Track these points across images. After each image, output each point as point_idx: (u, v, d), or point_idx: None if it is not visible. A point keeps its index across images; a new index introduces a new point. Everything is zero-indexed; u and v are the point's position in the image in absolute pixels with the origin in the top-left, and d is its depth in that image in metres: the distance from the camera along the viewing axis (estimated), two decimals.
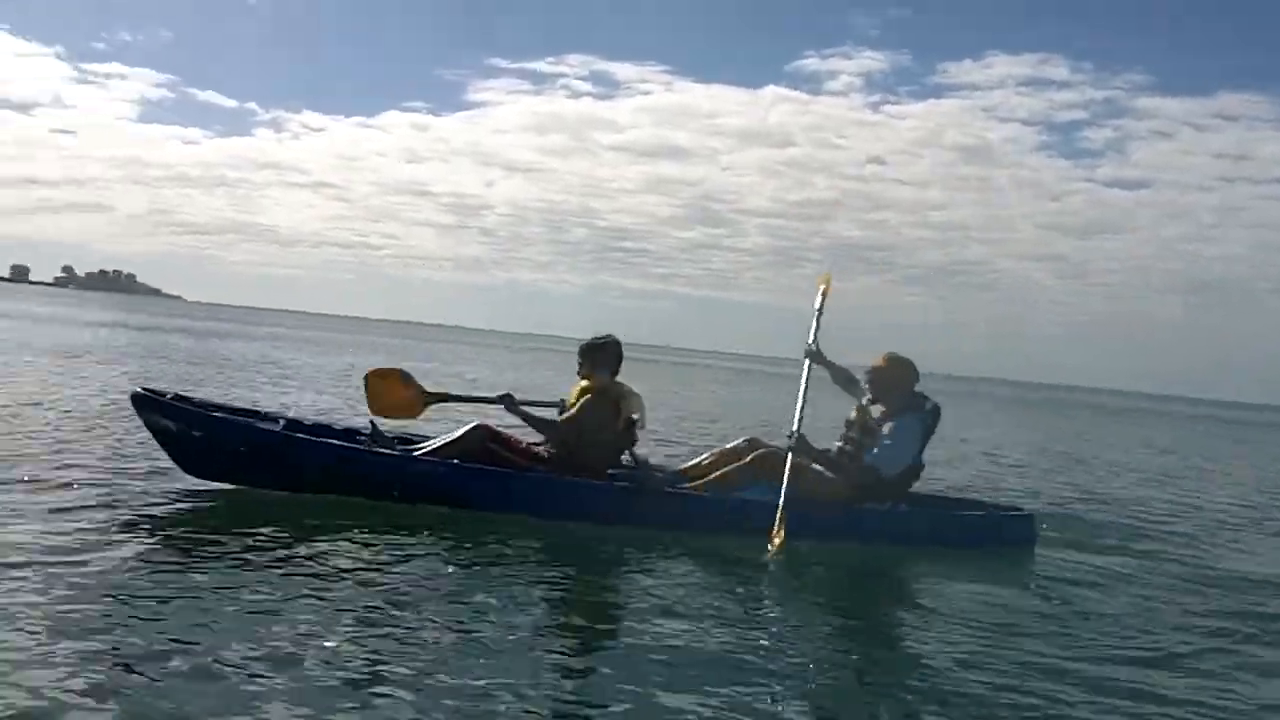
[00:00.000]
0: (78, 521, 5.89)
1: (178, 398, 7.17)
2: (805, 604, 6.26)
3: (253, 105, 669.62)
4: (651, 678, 4.25)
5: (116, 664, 3.85)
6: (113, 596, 4.66)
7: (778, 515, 6.85)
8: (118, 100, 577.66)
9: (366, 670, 4.06)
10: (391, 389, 7.48)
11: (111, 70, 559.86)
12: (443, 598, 5.18)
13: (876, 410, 7.71)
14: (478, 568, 5.85)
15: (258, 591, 4.92)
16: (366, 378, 7.57)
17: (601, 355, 7.34)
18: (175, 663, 3.90)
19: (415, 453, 7.16)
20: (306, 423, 7.75)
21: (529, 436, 7.40)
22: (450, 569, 5.76)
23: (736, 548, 6.83)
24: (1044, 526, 8.52)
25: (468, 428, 7.18)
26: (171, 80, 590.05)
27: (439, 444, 7.20)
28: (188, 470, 7.04)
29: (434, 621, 4.76)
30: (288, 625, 4.46)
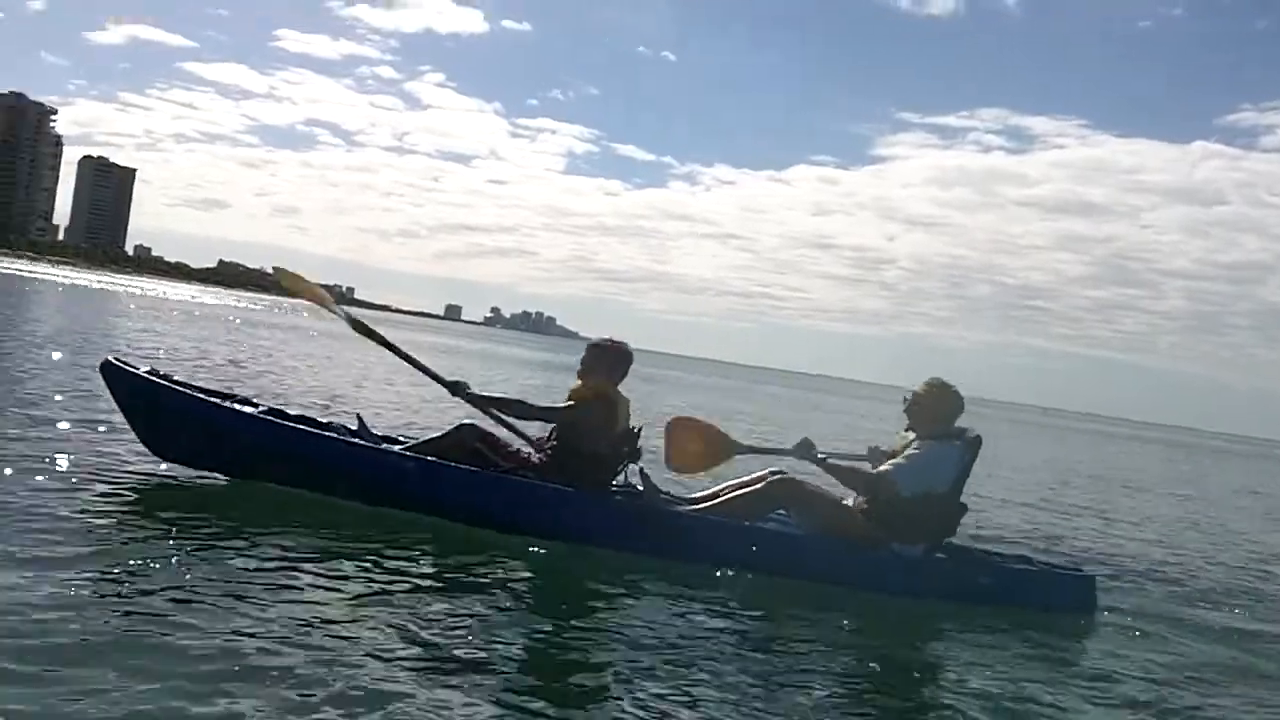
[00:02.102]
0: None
1: (151, 372, 6.79)
2: (804, 658, 5.13)
3: (669, 159, 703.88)
4: None
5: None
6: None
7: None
8: (546, 153, 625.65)
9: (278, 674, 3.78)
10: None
11: (542, 125, 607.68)
12: (386, 610, 4.77)
13: (910, 438, 6.90)
14: (433, 578, 5.41)
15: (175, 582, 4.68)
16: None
17: (608, 358, 6.79)
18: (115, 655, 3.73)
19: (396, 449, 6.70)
20: (290, 413, 7.26)
21: (518, 442, 6.91)
22: (407, 577, 5.31)
23: (734, 581, 6.20)
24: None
25: (454, 425, 6.71)
26: (595, 135, 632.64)
27: (418, 443, 6.79)
28: (152, 448, 6.75)
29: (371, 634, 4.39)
30: (208, 620, 4.22)
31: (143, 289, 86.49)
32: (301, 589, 4.86)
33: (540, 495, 6.35)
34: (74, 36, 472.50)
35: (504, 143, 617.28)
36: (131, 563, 4.87)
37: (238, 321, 41.78)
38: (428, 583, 5.28)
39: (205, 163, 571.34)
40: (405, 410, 13.96)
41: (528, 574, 5.82)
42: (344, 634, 4.31)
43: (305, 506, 6.23)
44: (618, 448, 6.59)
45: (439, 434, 6.71)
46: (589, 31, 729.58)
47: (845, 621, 5.90)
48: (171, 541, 5.30)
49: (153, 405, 6.58)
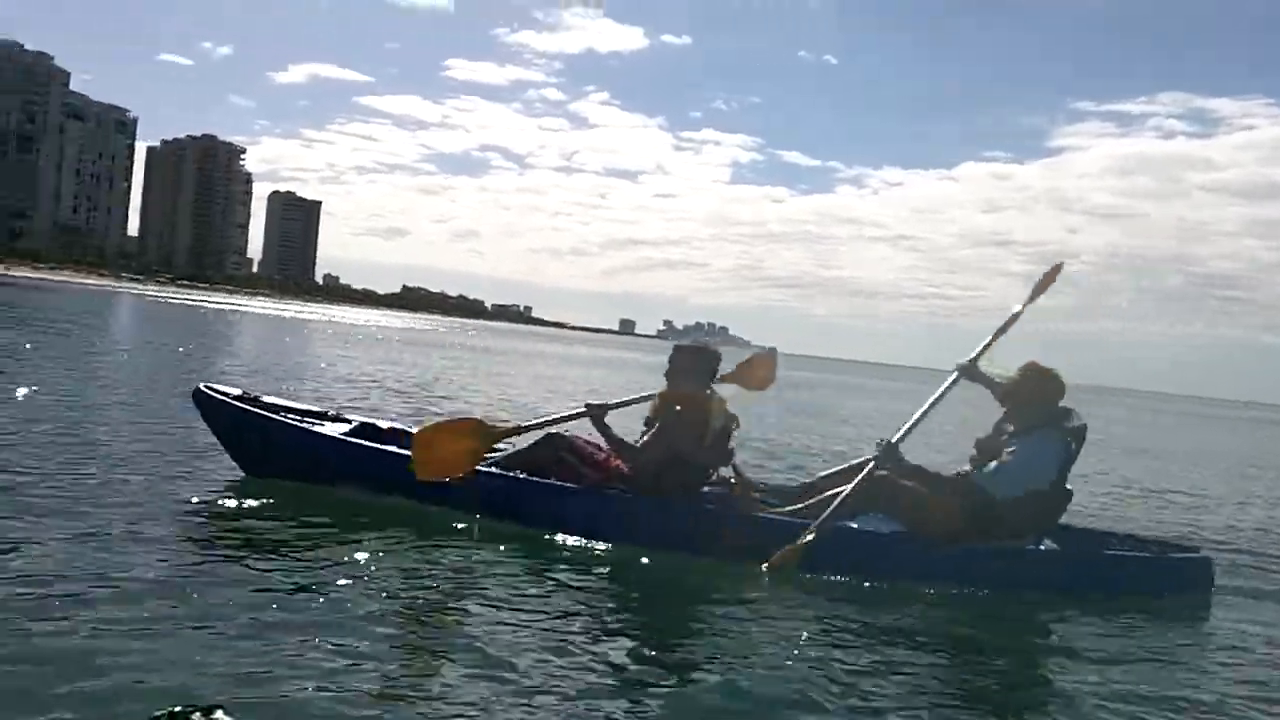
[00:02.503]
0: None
1: (240, 397, 7.04)
2: (901, 661, 4.87)
3: (835, 163, 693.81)
4: None
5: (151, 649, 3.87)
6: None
7: (802, 537, 5.93)
8: (711, 164, 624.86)
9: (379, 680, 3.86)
10: (442, 444, 6.25)
11: (706, 137, 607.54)
12: (483, 619, 4.74)
13: (1007, 428, 6.56)
14: (518, 589, 5.27)
15: (275, 590, 4.77)
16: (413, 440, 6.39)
17: (695, 362, 6.67)
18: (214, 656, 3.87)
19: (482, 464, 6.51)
20: (381, 426, 7.43)
21: (605, 452, 6.67)
22: (492, 587, 5.25)
23: (823, 583, 5.97)
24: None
25: (538, 438, 6.64)
26: (759, 143, 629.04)
27: (507, 454, 6.69)
28: (244, 468, 6.96)
29: (471, 646, 4.34)
30: (300, 632, 4.25)
31: (332, 316, 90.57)
32: (392, 597, 4.89)
33: (620, 504, 6.28)
34: (258, 78, 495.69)
35: (669, 156, 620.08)
36: (223, 571, 5.04)
37: (422, 343, 43.40)
38: (508, 591, 5.20)
39: (386, 192, 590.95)
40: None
41: (615, 583, 5.68)
42: (439, 645, 4.39)
43: (392, 515, 6.24)
44: (708, 452, 6.44)
45: (524, 445, 6.63)
46: (749, 40, 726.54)
47: (951, 617, 5.71)
48: (256, 555, 5.38)
49: (240, 429, 6.82)
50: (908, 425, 6.58)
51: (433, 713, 3.62)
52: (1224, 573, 7.13)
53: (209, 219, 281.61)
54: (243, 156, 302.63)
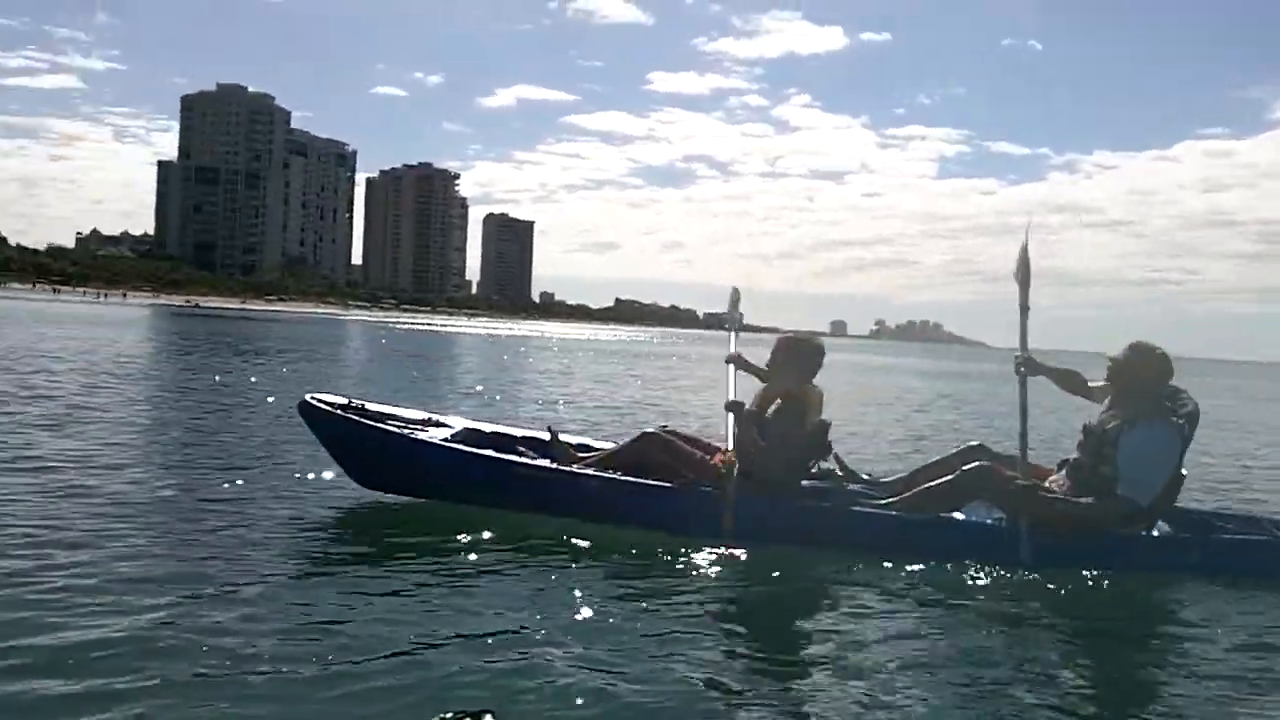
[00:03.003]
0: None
1: (346, 407, 6.97)
2: (1014, 651, 4.76)
3: (1045, 150, 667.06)
4: None
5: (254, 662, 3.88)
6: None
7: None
8: (917, 160, 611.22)
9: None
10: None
11: (911, 133, 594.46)
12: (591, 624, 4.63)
13: (1115, 415, 6.17)
14: (633, 590, 5.25)
15: (379, 601, 4.81)
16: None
17: (795, 356, 6.59)
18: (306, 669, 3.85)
19: (578, 465, 6.65)
20: (485, 430, 7.39)
21: (702, 451, 6.59)
22: (599, 591, 5.19)
23: (918, 573, 5.82)
24: None
25: (634, 438, 6.67)
26: (966, 135, 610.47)
27: (606, 454, 6.75)
28: (357, 480, 6.91)
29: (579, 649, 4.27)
30: (404, 636, 4.28)
31: (546, 332, 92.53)
32: (488, 601, 4.88)
33: (713, 502, 6.18)
34: (469, 104, 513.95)
35: (874, 155, 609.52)
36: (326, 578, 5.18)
37: (641, 353, 43.78)
38: (612, 590, 5.20)
39: (595, 208, 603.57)
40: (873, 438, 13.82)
41: (718, 580, 5.61)
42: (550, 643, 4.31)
43: (496, 523, 6.22)
44: (807, 446, 6.41)
45: (622, 444, 6.72)
46: (950, 32, 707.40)
47: (1064, 606, 5.50)
48: (367, 564, 5.49)
49: (347, 439, 6.82)
50: (1021, 447, 6.30)
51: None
52: None
53: (428, 244, 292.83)
54: (457, 182, 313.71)
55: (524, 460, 6.75)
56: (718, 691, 3.92)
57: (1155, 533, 6.30)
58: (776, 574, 5.64)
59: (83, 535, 5.44)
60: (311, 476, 7.48)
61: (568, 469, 6.57)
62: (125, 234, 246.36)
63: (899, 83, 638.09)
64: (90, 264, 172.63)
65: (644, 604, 4.97)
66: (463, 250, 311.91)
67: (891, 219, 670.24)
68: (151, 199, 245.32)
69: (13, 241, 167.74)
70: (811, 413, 6.43)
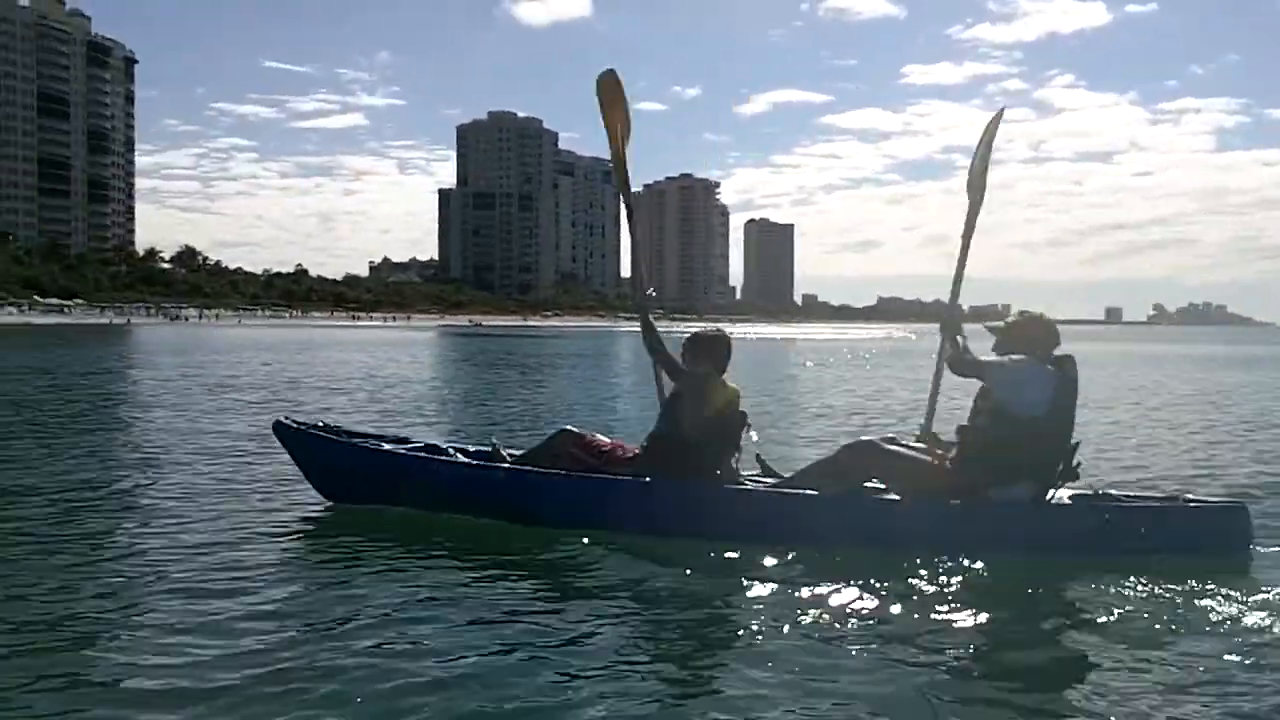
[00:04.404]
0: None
1: (311, 427, 7.30)
2: (912, 634, 4.56)
3: None
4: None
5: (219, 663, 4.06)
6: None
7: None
8: (1192, 134, 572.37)
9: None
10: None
11: (1184, 106, 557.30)
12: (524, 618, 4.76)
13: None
14: (549, 585, 5.35)
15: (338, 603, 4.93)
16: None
17: (701, 348, 6.62)
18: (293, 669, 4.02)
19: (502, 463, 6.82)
20: (442, 445, 7.54)
21: (612, 443, 6.80)
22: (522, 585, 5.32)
23: (822, 556, 5.68)
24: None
25: (550, 435, 6.93)
26: (1244, 104, 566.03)
27: (525, 452, 6.96)
28: (323, 493, 7.18)
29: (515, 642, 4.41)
30: (362, 636, 4.42)
31: (810, 334, 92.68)
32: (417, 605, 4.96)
33: (613, 489, 6.34)
34: (726, 113, 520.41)
35: (1144, 132, 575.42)
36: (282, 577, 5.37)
37: (902, 353, 43.42)
38: (514, 584, 5.33)
39: (854, 207, 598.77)
40: None
41: (605, 569, 5.57)
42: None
43: (421, 522, 6.45)
44: (711, 436, 6.37)
45: (540, 444, 6.93)
46: None
47: (949, 588, 5.27)
48: (320, 564, 5.74)
49: (310, 453, 7.18)
50: (930, 407, 6.68)
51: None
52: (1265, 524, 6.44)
53: (692, 253, 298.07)
54: (718, 190, 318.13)
55: (439, 458, 7.04)
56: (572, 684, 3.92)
57: (1052, 501, 6.05)
58: (652, 561, 5.65)
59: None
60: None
61: (483, 464, 6.83)
62: (413, 260, 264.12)
63: (1168, 54, 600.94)
64: (382, 290, 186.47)
65: (486, 590, 5.13)
66: (725, 257, 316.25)
67: (1167, 198, 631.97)
68: (434, 225, 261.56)
69: (313, 273, 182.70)
70: (713, 405, 6.40)
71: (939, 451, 6.13)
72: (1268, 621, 4.66)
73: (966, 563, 5.57)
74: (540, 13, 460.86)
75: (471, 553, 5.82)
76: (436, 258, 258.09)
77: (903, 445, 6.18)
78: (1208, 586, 5.16)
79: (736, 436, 6.49)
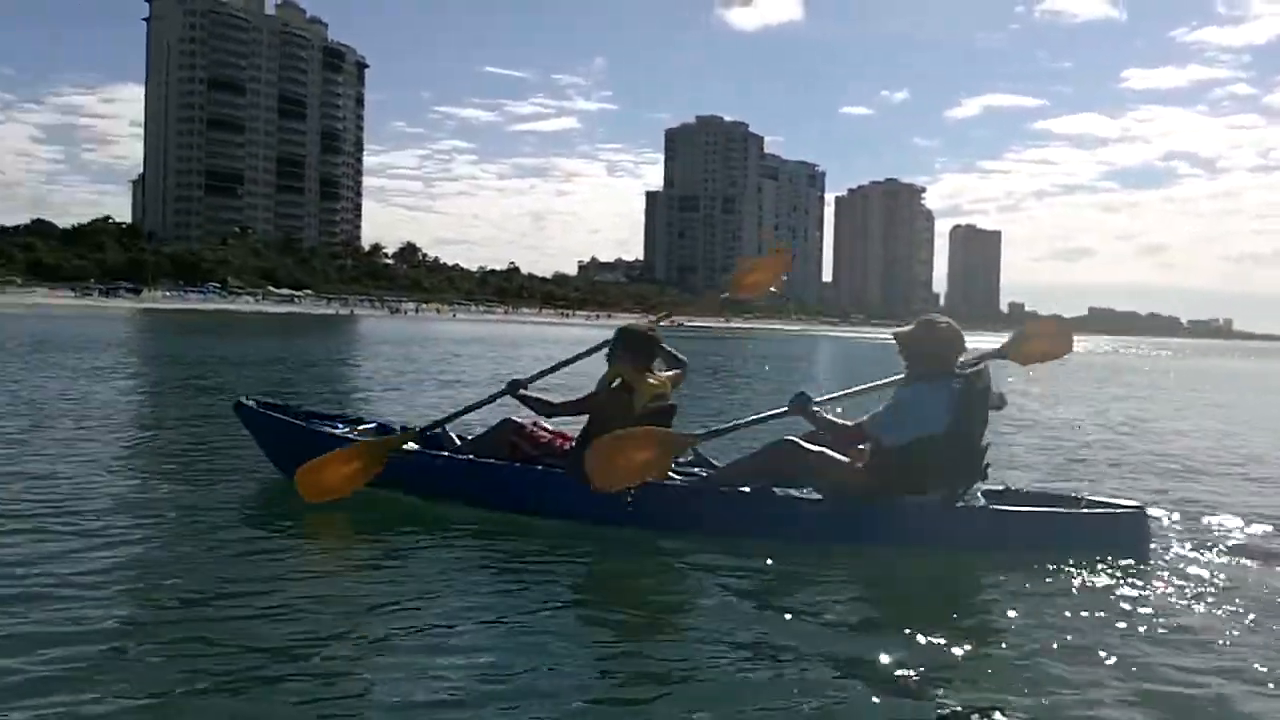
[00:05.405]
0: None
1: (268, 406, 7.70)
2: (816, 625, 4.67)
3: None
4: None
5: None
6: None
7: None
8: None
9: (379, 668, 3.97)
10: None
11: None
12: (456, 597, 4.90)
13: (900, 383, 6.26)
14: (487, 567, 5.50)
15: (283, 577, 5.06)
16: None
17: (624, 343, 6.77)
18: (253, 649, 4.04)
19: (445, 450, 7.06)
20: (396, 428, 7.67)
21: (550, 434, 6.98)
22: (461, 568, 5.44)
23: (740, 551, 5.75)
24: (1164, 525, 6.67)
25: (496, 423, 7.07)
26: None
27: (471, 439, 7.22)
28: (279, 468, 7.36)
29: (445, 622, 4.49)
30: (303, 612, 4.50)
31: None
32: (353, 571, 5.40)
33: (539, 479, 6.54)
34: (935, 117, 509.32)
35: None
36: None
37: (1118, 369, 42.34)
38: (475, 568, 5.46)
39: (1065, 214, 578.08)
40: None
41: (533, 554, 5.70)
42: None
43: (383, 504, 6.57)
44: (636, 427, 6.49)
45: (486, 431, 7.12)
46: None
47: (853, 582, 5.45)
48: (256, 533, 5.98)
49: (266, 432, 7.51)
50: (835, 394, 6.55)
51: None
52: (1163, 527, 6.65)
53: (895, 259, 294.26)
54: (923, 195, 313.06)
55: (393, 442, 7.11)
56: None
57: (960, 505, 6.15)
58: (570, 551, 5.81)
59: None
60: None
61: (435, 453, 6.99)
62: (619, 260, 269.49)
63: None
64: (588, 289, 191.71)
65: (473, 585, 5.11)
66: (929, 263, 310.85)
67: None
68: (640, 227, 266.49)
69: (524, 271, 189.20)
70: (641, 397, 6.56)
71: (857, 450, 6.17)
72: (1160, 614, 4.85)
73: (871, 558, 5.78)
74: (751, 17, 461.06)
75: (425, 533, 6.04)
76: (642, 258, 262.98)
77: (821, 445, 6.18)
78: (1092, 586, 5.33)
79: (665, 426, 6.61)
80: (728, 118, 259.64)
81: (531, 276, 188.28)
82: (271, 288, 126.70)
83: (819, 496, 6.23)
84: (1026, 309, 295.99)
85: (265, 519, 6.46)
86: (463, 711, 3.55)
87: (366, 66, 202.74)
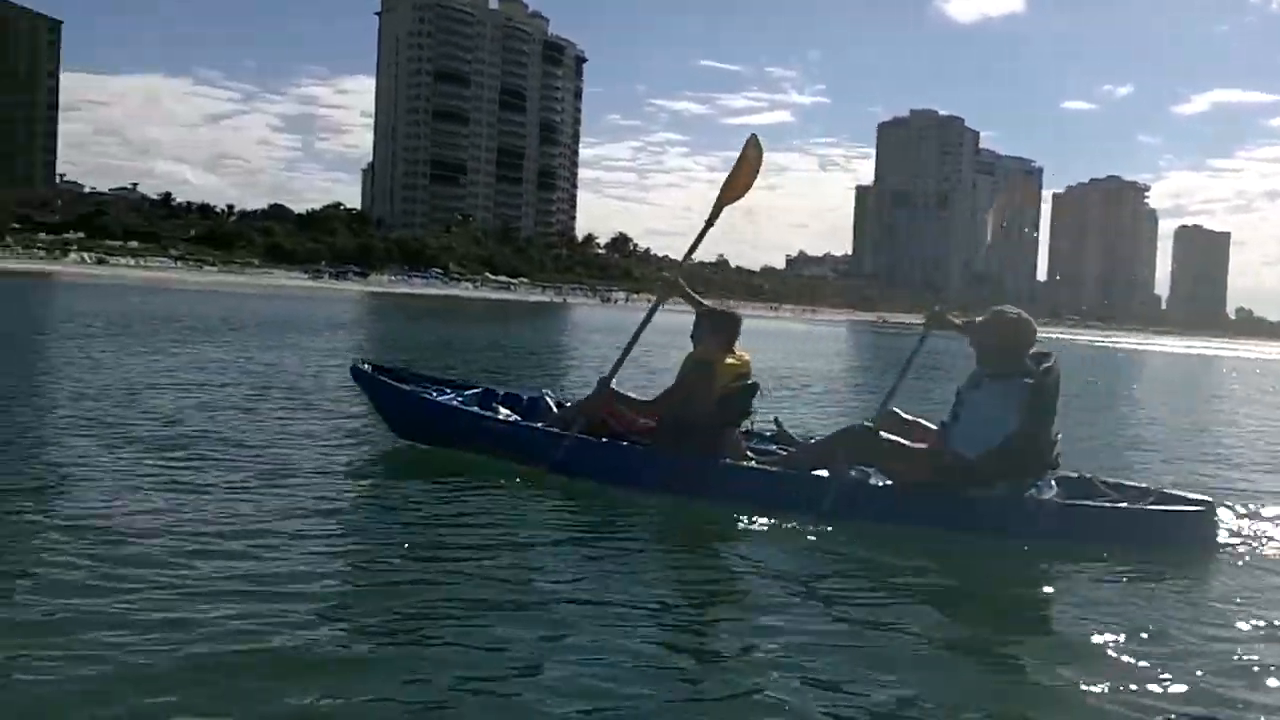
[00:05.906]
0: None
1: (381, 370, 8.13)
2: (879, 612, 4.71)
3: None
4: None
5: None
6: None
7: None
8: None
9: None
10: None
11: None
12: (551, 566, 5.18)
13: (973, 376, 6.35)
14: (593, 538, 5.77)
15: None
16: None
17: (706, 324, 7.12)
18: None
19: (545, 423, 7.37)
20: (499, 393, 8.19)
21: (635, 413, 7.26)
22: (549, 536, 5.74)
23: (808, 529, 5.98)
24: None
25: (594, 389, 7.30)
26: None
27: (569, 406, 7.54)
28: (395, 431, 7.93)
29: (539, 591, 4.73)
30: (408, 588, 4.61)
31: (1239, 353, 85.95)
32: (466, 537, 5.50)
33: (629, 455, 6.89)
34: (1161, 113, 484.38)
35: None
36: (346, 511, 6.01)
37: None
38: (550, 532, 5.76)
39: None
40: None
41: (611, 525, 6.05)
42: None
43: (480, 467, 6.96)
44: (715, 412, 6.81)
45: (581, 399, 7.47)
46: None
47: (926, 567, 5.54)
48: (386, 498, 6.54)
49: (378, 396, 7.96)
50: (892, 389, 6.91)
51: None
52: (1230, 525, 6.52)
53: (1114, 259, 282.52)
54: (1146, 195, 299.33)
55: (491, 415, 7.60)
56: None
57: (1028, 495, 6.23)
58: (677, 525, 6.23)
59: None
60: None
61: (528, 425, 7.42)
62: (827, 255, 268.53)
63: None
64: (795, 283, 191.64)
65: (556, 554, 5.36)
66: (1151, 264, 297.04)
67: None
68: (849, 222, 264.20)
69: (733, 264, 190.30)
70: (721, 378, 6.82)
71: (929, 441, 6.36)
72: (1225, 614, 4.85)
73: (943, 546, 5.87)
74: (971, 9, 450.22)
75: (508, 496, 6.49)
76: (850, 253, 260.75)
77: (894, 437, 6.38)
78: (1156, 582, 5.38)
79: (746, 407, 7.02)
80: (942, 111, 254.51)
81: (739, 269, 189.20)
82: (489, 274, 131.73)
83: (889, 482, 6.44)
84: (1255, 315, 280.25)
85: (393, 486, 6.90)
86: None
87: (585, 60, 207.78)
